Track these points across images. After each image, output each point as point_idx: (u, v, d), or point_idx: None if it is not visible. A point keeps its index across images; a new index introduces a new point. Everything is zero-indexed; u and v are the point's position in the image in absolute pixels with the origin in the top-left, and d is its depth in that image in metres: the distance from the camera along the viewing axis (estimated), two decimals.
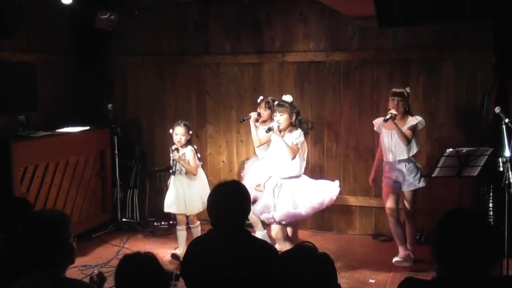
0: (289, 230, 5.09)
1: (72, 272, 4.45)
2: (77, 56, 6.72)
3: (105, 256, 5.41)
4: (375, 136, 5.54)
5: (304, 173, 5.05)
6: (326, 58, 6.09)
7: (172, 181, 5.36)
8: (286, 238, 4.94)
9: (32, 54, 6.05)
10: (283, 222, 4.85)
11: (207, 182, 5.45)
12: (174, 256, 5.30)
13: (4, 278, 2.49)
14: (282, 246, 4.78)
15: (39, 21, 6.18)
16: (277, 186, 4.87)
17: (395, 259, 5.10)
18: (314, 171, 6.23)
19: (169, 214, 6.13)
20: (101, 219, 6.33)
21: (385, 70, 5.90)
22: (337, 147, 6.15)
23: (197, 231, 5.39)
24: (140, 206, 6.58)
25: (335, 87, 6.10)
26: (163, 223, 6.31)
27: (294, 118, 4.87)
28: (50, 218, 2.42)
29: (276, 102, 5.03)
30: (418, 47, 5.76)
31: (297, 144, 4.81)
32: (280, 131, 4.81)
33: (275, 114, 4.89)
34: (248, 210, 2.96)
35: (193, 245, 2.99)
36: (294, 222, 5.05)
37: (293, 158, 4.79)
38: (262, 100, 5.50)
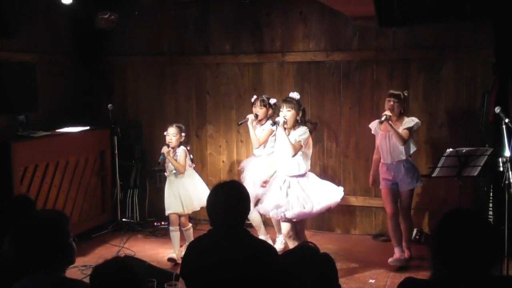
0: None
1: (72, 272, 4.45)
2: (77, 56, 6.72)
3: (105, 256, 5.36)
4: (376, 136, 5.54)
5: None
6: (326, 58, 6.09)
7: (167, 183, 5.45)
8: (295, 236, 4.92)
9: (32, 54, 6.04)
10: (294, 220, 4.81)
11: (202, 184, 5.52)
12: (170, 260, 5.31)
13: (4, 278, 2.49)
14: (291, 244, 4.76)
15: (39, 21, 6.18)
16: (284, 184, 4.82)
17: (390, 260, 5.11)
18: (314, 171, 6.22)
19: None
20: (101, 219, 6.33)
21: (385, 70, 5.90)
22: (337, 147, 6.16)
23: (189, 234, 5.44)
24: (140, 206, 6.58)
25: (335, 87, 6.10)
26: (163, 223, 6.30)
27: (300, 115, 4.86)
28: (49, 218, 2.42)
29: (286, 97, 4.97)
30: (418, 47, 5.76)
31: (300, 141, 4.72)
32: (285, 128, 4.75)
33: (281, 109, 4.81)
34: (247, 210, 2.95)
35: (193, 245, 2.98)
36: (302, 220, 4.95)
37: (294, 155, 4.70)
38: (256, 99, 5.53)
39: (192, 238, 5.38)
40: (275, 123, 4.76)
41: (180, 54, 6.66)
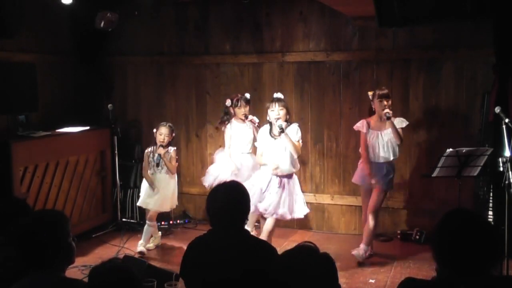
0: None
1: (72, 272, 4.44)
2: (77, 56, 6.71)
3: (105, 256, 5.39)
4: (364, 135, 5.48)
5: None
6: (326, 58, 6.09)
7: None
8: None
9: (32, 54, 6.04)
10: (265, 216, 4.92)
11: (176, 188, 5.66)
12: (140, 253, 5.41)
13: (4, 278, 2.48)
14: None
15: (39, 21, 6.18)
16: (273, 182, 4.88)
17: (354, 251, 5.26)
18: (314, 171, 6.24)
19: (169, 214, 6.15)
20: (101, 219, 6.33)
21: (385, 70, 5.90)
22: (337, 147, 6.15)
23: (149, 231, 5.55)
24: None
25: (335, 87, 6.10)
26: (163, 223, 6.29)
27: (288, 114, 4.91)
28: (49, 218, 2.42)
29: (275, 97, 4.99)
30: (418, 47, 5.76)
31: (298, 140, 4.89)
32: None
33: (272, 109, 4.85)
34: (247, 210, 2.96)
35: (193, 245, 2.98)
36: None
37: (298, 155, 4.87)
38: (237, 100, 5.48)
39: (149, 235, 5.57)
40: (282, 129, 4.75)
41: (180, 54, 6.66)
